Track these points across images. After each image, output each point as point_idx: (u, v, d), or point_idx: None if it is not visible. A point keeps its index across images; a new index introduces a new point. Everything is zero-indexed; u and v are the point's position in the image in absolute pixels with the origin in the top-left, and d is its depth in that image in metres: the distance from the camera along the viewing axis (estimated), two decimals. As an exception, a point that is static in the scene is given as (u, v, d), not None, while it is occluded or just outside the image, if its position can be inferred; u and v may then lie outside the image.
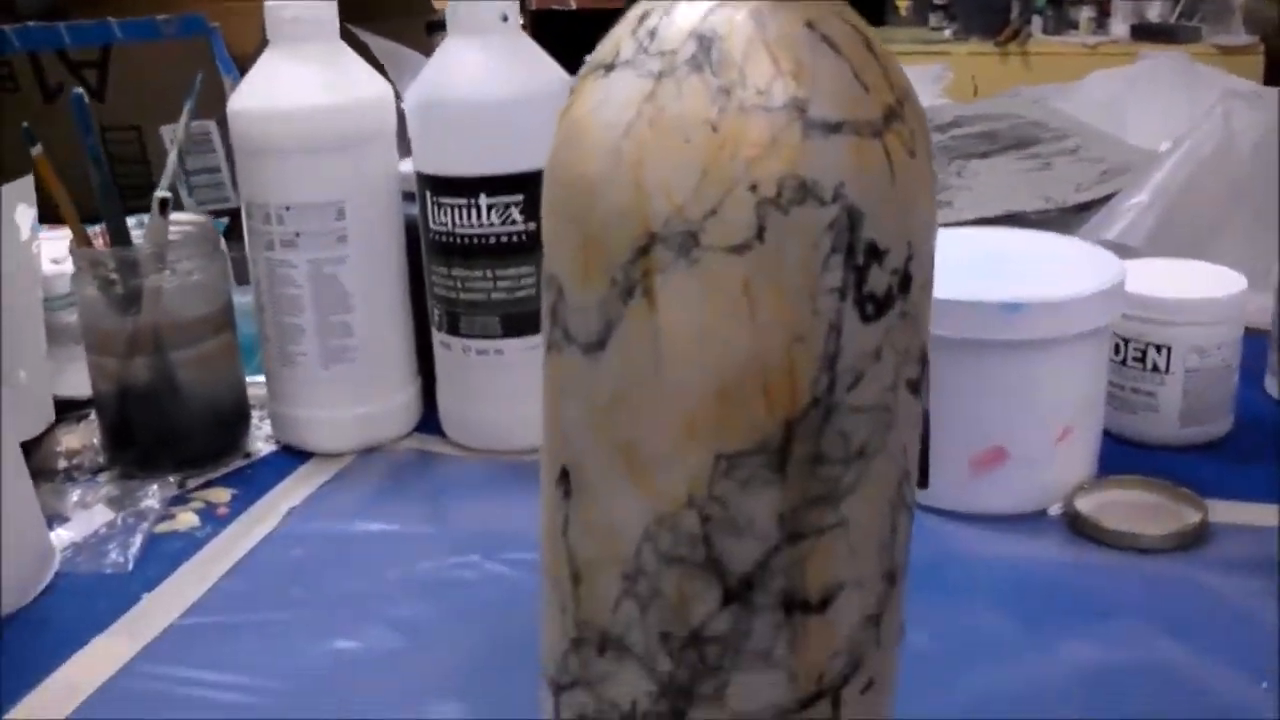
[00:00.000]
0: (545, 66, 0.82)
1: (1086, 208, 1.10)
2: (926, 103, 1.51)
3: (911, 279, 0.40)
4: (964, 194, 1.14)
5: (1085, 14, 3.58)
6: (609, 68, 0.41)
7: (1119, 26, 3.56)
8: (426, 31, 1.69)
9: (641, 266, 0.39)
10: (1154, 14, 3.56)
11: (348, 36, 0.85)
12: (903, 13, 3.80)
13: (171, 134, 1.30)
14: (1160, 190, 1.04)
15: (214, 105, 1.15)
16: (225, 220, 1.21)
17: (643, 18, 0.41)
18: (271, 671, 0.63)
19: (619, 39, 0.41)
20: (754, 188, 0.38)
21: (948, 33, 3.68)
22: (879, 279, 0.39)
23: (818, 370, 0.39)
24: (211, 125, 1.30)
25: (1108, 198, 1.09)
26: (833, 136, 0.38)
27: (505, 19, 0.80)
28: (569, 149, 0.41)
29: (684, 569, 0.41)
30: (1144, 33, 3.49)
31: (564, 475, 0.43)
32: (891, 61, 0.40)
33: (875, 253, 0.39)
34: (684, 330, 0.39)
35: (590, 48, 0.44)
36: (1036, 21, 3.63)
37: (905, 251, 0.40)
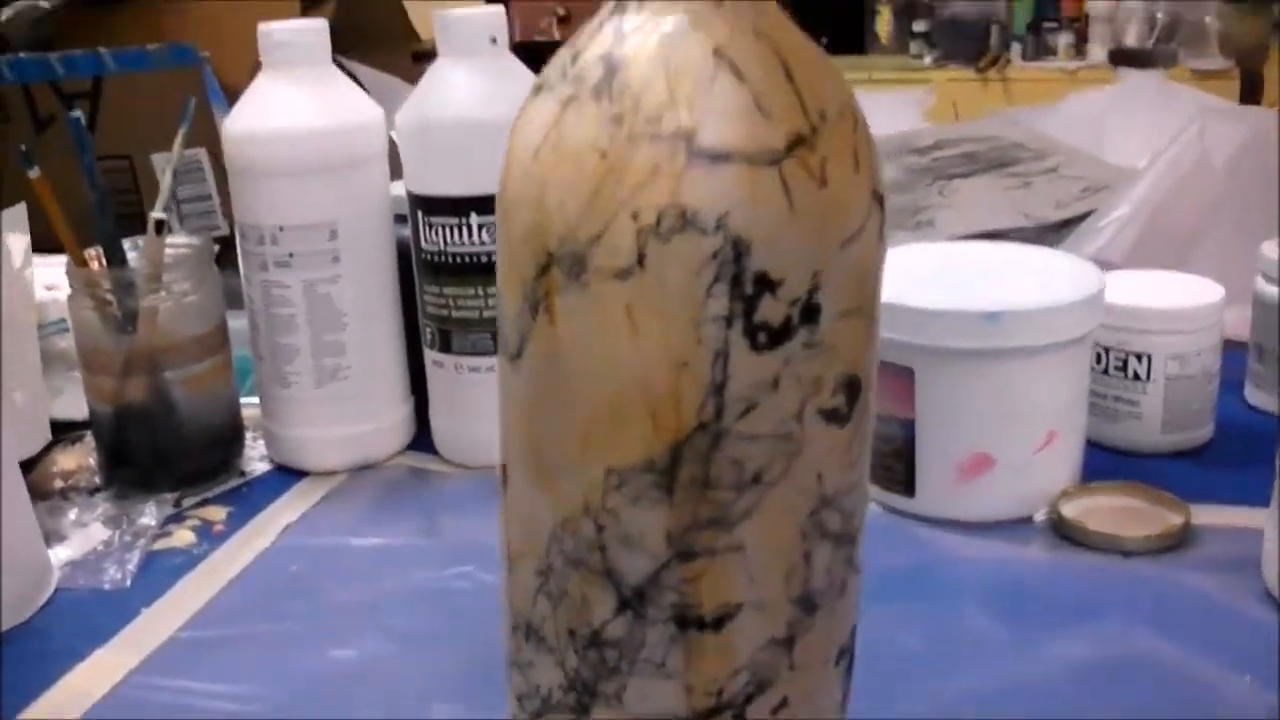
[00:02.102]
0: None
1: (1066, 224, 1.11)
2: (908, 126, 1.52)
3: (819, 309, 0.40)
4: (945, 212, 1.16)
5: (1063, 40, 3.61)
6: (538, 89, 0.42)
7: (1097, 52, 3.59)
8: (413, 61, 1.71)
9: (544, 285, 0.41)
10: (1131, 38, 3.59)
11: (341, 71, 0.87)
12: (884, 40, 3.83)
13: (163, 162, 1.32)
14: (1139, 206, 1.06)
15: (204, 134, 1.16)
16: (216, 247, 1.22)
17: (578, 37, 0.42)
18: (269, 681, 0.64)
19: (556, 60, 0.42)
20: (635, 215, 0.39)
21: (928, 60, 3.71)
22: (773, 309, 0.39)
23: (703, 396, 0.40)
24: (202, 153, 1.31)
25: (1087, 214, 1.10)
26: (719, 166, 0.38)
27: (494, 41, 0.81)
28: (502, 169, 0.43)
29: (584, 573, 0.42)
30: (1121, 57, 3.52)
31: (503, 469, 0.46)
32: (819, 83, 0.40)
33: (767, 283, 0.39)
34: (578, 348, 0.40)
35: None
36: (1015, 48, 3.66)
37: (808, 282, 0.40)
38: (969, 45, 3.67)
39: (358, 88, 0.86)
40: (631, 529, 0.41)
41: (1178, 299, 0.83)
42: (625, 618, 0.42)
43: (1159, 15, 3.56)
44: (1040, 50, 3.65)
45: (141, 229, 0.84)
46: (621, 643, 0.43)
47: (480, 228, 0.81)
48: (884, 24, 3.82)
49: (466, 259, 0.82)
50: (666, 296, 0.39)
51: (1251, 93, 3.09)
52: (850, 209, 0.40)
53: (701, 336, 0.39)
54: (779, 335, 0.40)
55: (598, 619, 0.43)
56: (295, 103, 0.82)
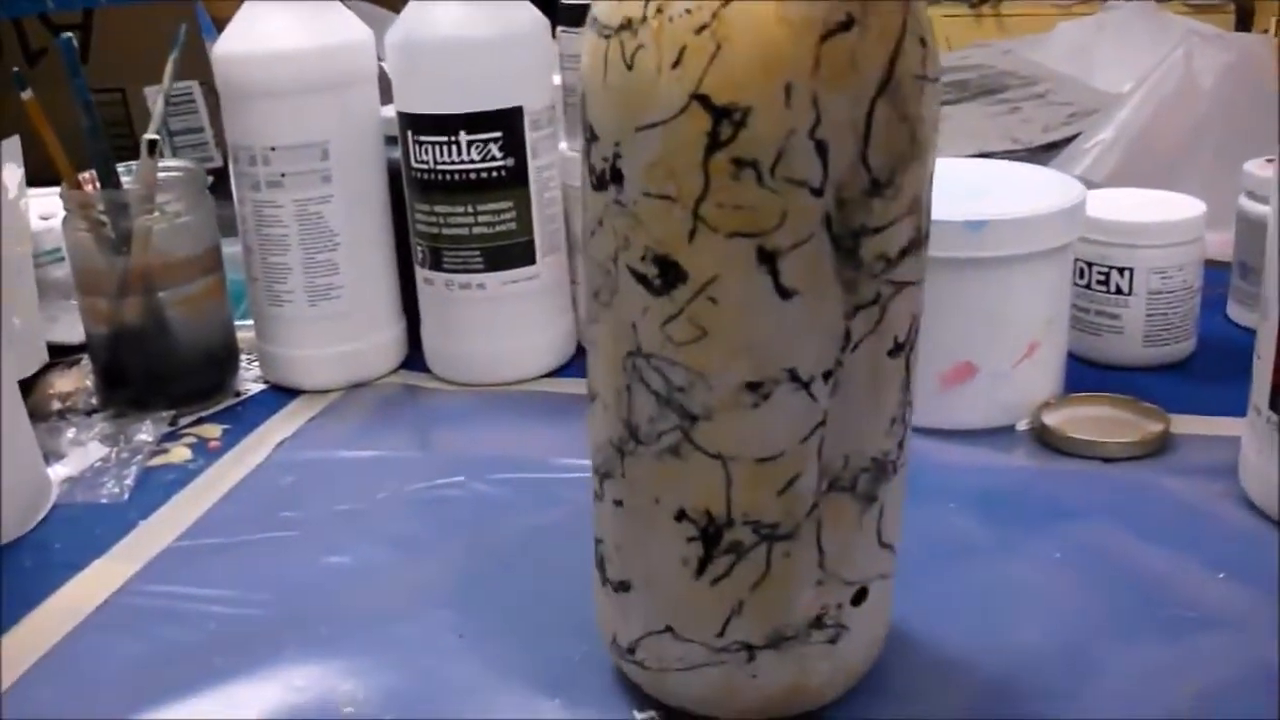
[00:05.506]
0: (521, 7, 0.83)
1: (1053, 147, 1.12)
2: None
3: (623, 175, 0.45)
4: (934, 137, 1.16)
5: (1058, -25, 3.59)
6: None
7: (1091, -13, 3.58)
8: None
9: None
10: (1126, -26, 3.57)
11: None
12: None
13: (154, 94, 1.32)
14: (1123, 128, 1.07)
15: (196, 66, 1.17)
16: (210, 179, 1.23)
17: None
18: (265, 586, 0.65)
19: None
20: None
21: (922, -2, 3.70)
22: (596, 156, 0.46)
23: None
24: (194, 85, 1.31)
25: (1074, 137, 1.11)
26: (587, 29, 0.46)
27: (481, -40, 0.82)
28: None
29: None
30: (1116, -8, 3.51)
31: None
32: None
33: (592, 133, 0.46)
34: None
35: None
36: (1010, -16, 3.64)
37: (613, 148, 0.45)
38: (963, -20, 3.65)
39: (346, 10, 0.86)
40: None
41: (1160, 214, 0.84)
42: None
43: (1154, -50, 3.54)
44: (1035, -15, 3.63)
45: (135, 161, 0.85)
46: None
47: (469, 145, 0.81)
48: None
49: (456, 176, 0.82)
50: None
51: (1246, 26, 3.08)
52: (653, 99, 0.43)
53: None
54: (599, 182, 0.46)
55: None
56: (285, 24, 0.83)
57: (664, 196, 0.44)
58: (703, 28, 0.42)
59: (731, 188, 0.43)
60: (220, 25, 1.41)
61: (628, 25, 0.44)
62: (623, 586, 0.52)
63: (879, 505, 0.50)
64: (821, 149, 0.42)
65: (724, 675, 0.51)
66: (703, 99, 0.42)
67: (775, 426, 0.46)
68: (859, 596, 0.51)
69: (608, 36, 0.45)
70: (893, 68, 0.43)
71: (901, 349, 0.48)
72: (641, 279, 0.46)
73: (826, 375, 0.46)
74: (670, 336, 0.46)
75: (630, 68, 0.44)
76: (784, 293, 0.44)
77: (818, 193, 0.43)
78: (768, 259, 0.44)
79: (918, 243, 0.47)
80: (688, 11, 0.42)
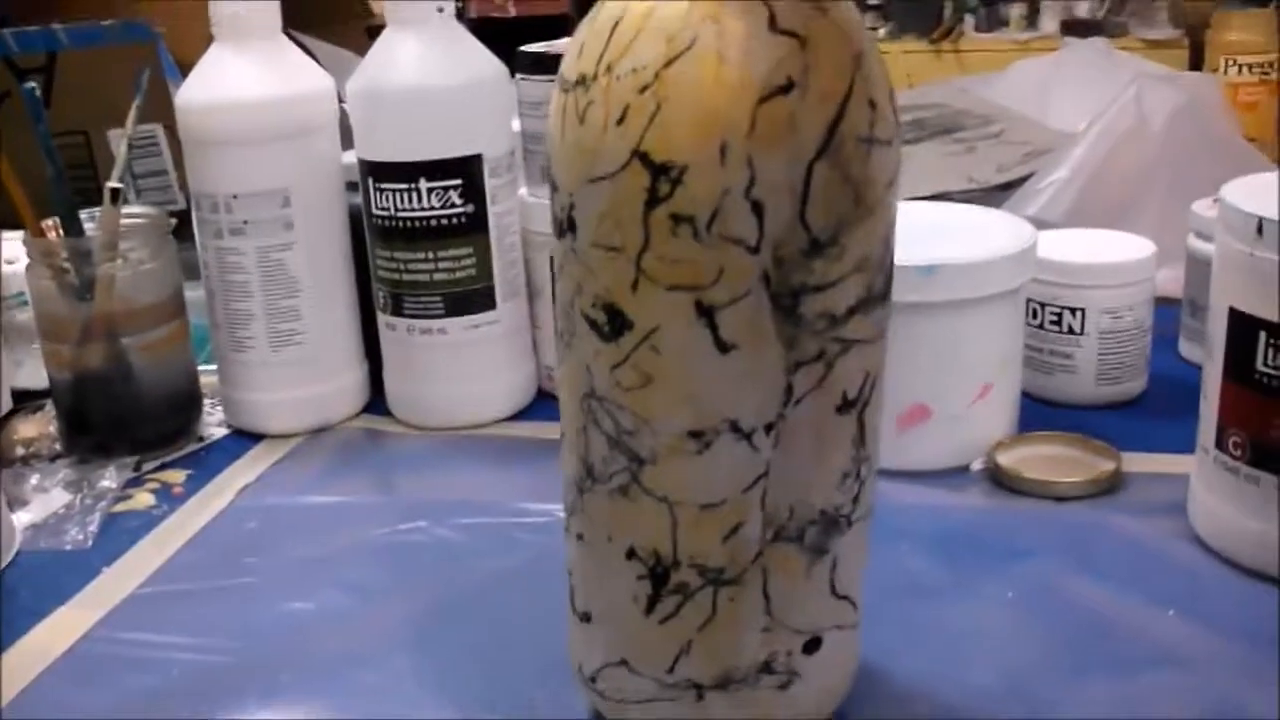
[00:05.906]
0: (480, 56, 0.85)
1: (1009, 187, 1.14)
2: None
3: (576, 224, 0.47)
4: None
5: (1016, 11, 3.64)
6: None
7: (1049, 23, 3.62)
8: (367, 36, 1.72)
9: None
10: (1083, 10, 3.61)
11: (291, 42, 0.88)
12: (839, 13, 3.84)
13: (119, 137, 1.33)
14: (1077, 168, 1.08)
15: (160, 109, 1.17)
16: (173, 221, 1.23)
17: None
18: (229, 633, 0.66)
19: None
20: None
21: (882, 32, 3.73)
22: (556, 205, 0.48)
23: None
24: (158, 129, 1.32)
25: (1028, 177, 1.13)
26: (556, 84, 0.48)
27: (441, 10, 0.83)
28: None
29: None
30: (1072, 28, 3.54)
31: None
32: (636, 44, 0.44)
33: (554, 184, 0.48)
34: None
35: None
36: (969, 20, 3.69)
37: (568, 199, 0.47)
38: (923, 17, 3.69)
39: (308, 58, 0.88)
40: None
41: (1111, 254, 0.85)
42: None
43: (1110, -14, 3.58)
44: (993, 22, 3.67)
45: (98, 204, 0.85)
46: None
47: (429, 192, 0.82)
48: (838, -3, 3.83)
49: (416, 223, 0.83)
50: None
51: (1200, 62, 3.11)
52: (600, 154, 0.45)
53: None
54: (559, 230, 0.48)
55: None
56: (247, 73, 0.84)
57: (611, 247, 0.46)
58: (645, 88, 0.43)
59: (670, 242, 0.44)
60: (184, 67, 1.42)
61: (581, 82, 0.45)
62: (586, 617, 0.54)
63: (830, 557, 0.51)
64: (757, 208, 0.44)
65: (676, 712, 0.52)
66: (643, 156, 0.44)
67: (717, 474, 0.48)
68: (811, 645, 0.52)
69: (567, 91, 0.46)
70: (834, 130, 0.44)
71: (852, 405, 0.49)
72: (593, 324, 0.47)
73: (768, 427, 0.47)
74: (618, 381, 0.47)
75: (582, 122, 0.45)
76: (723, 346, 0.45)
77: (754, 250, 0.44)
78: (706, 313, 0.45)
79: (869, 301, 0.48)
80: (633, 71, 0.44)
